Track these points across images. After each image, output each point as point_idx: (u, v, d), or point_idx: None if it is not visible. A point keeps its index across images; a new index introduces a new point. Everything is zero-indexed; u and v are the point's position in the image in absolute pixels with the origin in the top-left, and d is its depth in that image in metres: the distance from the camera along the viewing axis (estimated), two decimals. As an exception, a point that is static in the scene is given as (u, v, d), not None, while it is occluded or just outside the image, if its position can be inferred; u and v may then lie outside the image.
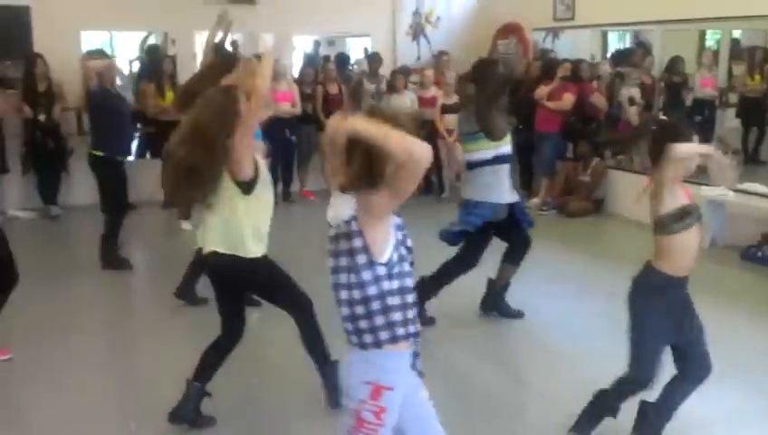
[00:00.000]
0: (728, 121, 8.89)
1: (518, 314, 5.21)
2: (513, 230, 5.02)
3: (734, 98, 8.89)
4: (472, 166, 4.86)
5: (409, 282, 2.32)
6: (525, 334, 5.00)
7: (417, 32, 10.39)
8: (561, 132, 8.56)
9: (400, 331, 2.27)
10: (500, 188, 4.84)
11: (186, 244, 5.89)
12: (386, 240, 2.24)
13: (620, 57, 9.64)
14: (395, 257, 2.26)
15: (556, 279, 6.04)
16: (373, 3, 9.96)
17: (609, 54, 10.07)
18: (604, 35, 10.09)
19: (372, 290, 2.23)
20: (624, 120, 8.46)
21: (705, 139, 8.54)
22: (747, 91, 8.69)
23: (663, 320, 3.17)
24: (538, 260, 5.57)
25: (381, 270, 2.23)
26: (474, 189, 4.86)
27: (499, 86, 4.86)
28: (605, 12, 8.68)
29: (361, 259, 2.22)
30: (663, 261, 3.14)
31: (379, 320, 2.25)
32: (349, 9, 9.55)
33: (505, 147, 4.85)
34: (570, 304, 5.51)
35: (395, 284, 2.25)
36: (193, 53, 8.95)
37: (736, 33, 9.29)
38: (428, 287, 4.90)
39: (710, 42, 9.68)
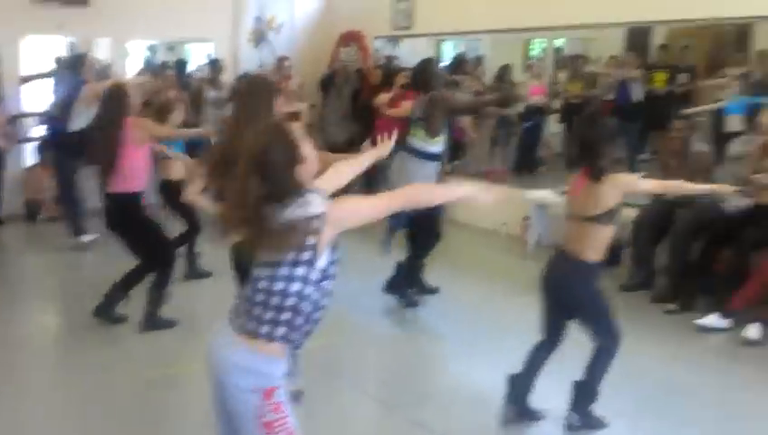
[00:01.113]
0: (553, 126, 9.30)
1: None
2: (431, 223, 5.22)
3: (557, 104, 9.32)
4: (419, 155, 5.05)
5: (325, 302, 2.27)
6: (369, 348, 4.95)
7: (259, 38, 10.17)
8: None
9: (294, 335, 2.23)
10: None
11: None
12: (328, 247, 2.20)
13: (456, 65, 9.85)
14: (330, 270, 2.23)
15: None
16: (215, 8, 9.60)
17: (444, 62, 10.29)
18: (439, 44, 10.31)
19: (296, 287, 2.17)
20: (458, 128, 8.63)
21: (533, 143, 9.06)
22: (570, 98, 9.12)
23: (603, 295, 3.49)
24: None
25: (315, 274, 2.18)
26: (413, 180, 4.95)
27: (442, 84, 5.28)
28: (441, 21, 8.84)
29: (305, 256, 2.16)
30: (591, 251, 3.36)
31: (285, 316, 2.19)
32: (189, 14, 9.13)
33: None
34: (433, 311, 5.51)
35: (316, 293, 2.22)
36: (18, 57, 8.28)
37: (559, 43, 9.76)
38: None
39: (536, 51, 10.12)
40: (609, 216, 3.30)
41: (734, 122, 7.45)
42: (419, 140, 5.04)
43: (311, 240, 2.15)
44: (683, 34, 8.88)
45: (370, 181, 7.40)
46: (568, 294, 3.46)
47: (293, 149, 2.21)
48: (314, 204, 2.17)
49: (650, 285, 5.60)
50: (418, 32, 9.27)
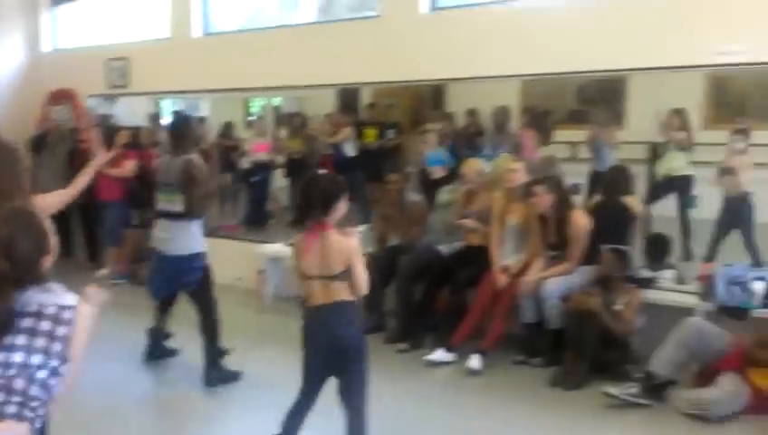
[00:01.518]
0: (279, 181, 9.53)
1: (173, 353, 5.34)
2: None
3: (281, 159, 9.58)
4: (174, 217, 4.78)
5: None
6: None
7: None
8: (124, 200, 8.27)
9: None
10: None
11: None
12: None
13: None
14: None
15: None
16: None
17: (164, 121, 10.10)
18: (158, 102, 10.11)
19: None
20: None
21: (262, 197, 9.20)
22: (292, 153, 9.43)
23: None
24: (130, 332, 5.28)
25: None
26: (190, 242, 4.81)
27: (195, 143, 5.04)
28: (158, 80, 8.68)
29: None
30: (350, 291, 3.32)
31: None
32: None
33: None
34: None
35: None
36: None
37: (277, 101, 10.08)
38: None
39: (255, 108, 10.34)
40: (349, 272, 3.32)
41: (437, 172, 8.19)
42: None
43: (61, 331, 2.05)
44: (387, 94, 9.63)
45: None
46: (338, 341, 3.34)
47: (41, 239, 2.09)
48: (63, 294, 2.07)
49: (383, 328, 5.93)
50: (135, 90, 9.01)
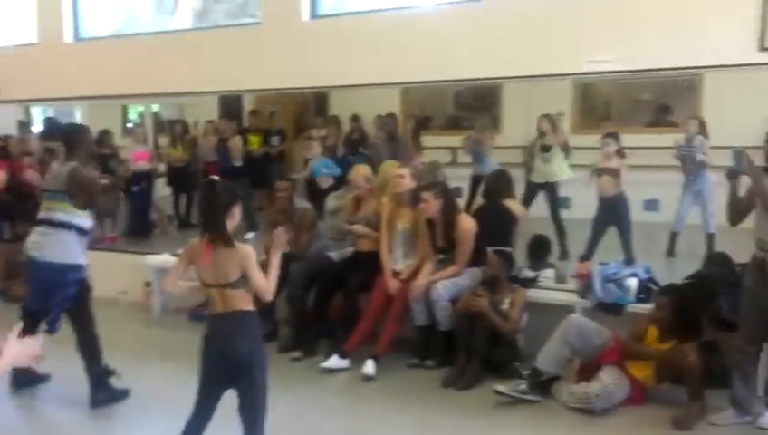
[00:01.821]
0: (161, 190, 9.22)
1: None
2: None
3: (162, 167, 9.28)
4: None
5: None
6: None
7: None
8: (-7, 212, 7.73)
9: None
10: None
11: None
12: None
13: (50, 132, 9.20)
14: None
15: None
16: None
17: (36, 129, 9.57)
18: (28, 109, 9.57)
19: None
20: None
21: (144, 207, 8.83)
22: (173, 162, 9.15)
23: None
24: None
25: None
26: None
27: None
28: (29, 87, 8.17)
29: None
30: (249, 299, 3.30)
31: None
32: None
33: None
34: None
35: None
36: None
37: (156, 108, 9.75)
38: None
39: (133, 115, 9.96)
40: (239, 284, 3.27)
41: (325, 183, 8.15)
42: (65, 214, 4.54)
43: None
44: (270, 101, 9.58)
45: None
46: (235, 352, 3.26)
47: None
48: None
49: (276, 337, 5.84)
50: (4, 98, 8.45)
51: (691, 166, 6.87)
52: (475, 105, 9.13)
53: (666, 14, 4.97)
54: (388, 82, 6.23)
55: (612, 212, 6.44)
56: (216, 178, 3.40)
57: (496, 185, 5.88)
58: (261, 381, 3.33)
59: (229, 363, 3.27)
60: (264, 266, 3.35)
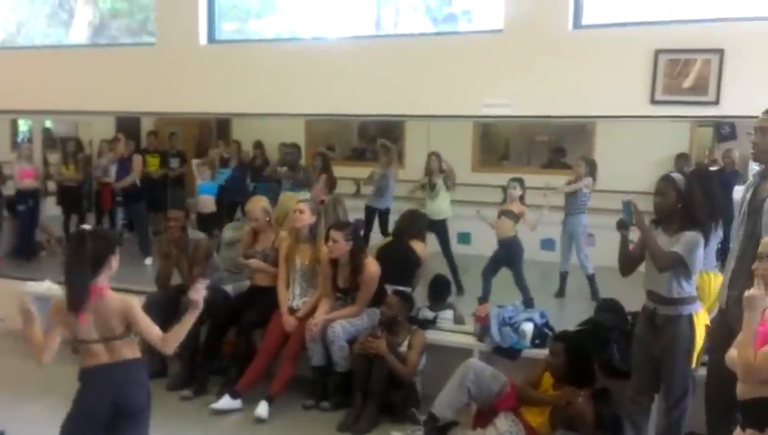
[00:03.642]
0: (51, 210, 8.58)
1: None
2: None
3: (52, 186, 8.65)
4: None
5: None
6: None
7: None
8: None
9: None
10: None
11: None
12: None
13: None
14: None
15: None
16: None
17: None
18: None
19: None
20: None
21: (29, 227, 8.17)
22: (64, 180, 8.54)
23: None
24: None
25: None
26: None
27: None
28: None
29: None
30: (135, 348, 3.15)
31: None
32: None
33: None
34: None
35: None
36: None
37: (48, 123, 9.11)
38: None
39: (24, 128, 9.28)
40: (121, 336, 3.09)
41: (208, 204, 7.81)
42: None
43: None
44: (170, 122, 9.11)
45: None
46: (122, 401, 3.07)
47: None
48: None
49: (165, 373, 5.43)
50: None
51: (571, 206, 6.93)
52: (379, 138, 8.99)
53: (564, 65, 4.98)
54: (286, 112, 5.96)
55: (507, 253, 6.41)
56: (86, 228, 3.18)
57: (407, 225, 5.73)
58: (146, 429, 3.18)
59: (114, 414, 3.07)
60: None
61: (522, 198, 6.44)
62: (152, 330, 3.08)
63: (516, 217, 6.34)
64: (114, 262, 3.10)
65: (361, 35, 6.13)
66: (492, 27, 5.35)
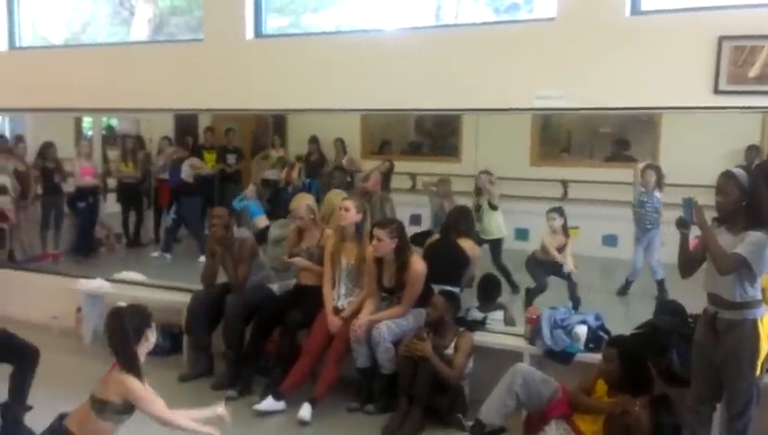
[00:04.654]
0: (111, 207, 8.75)
1: None
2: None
3: (112, 183, 8.82)
4: None
5: None
6: None
7: None
8: None
9: None
10: None
11: None
12: None
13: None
14: None
15: None
16: None
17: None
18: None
19: None
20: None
21: (89, 224, 8.33)
22: (123, 177, 8.69)
23: None
24: None
25: None
26: None
27: None
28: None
29: None
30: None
31: None
32: None
33: None
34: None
35: None
36: None
37: (111, 121, 9.29)
38: None
39: (88, 126, 9.47)
40: (112, 409, 3.05)
41: (261, 223, 7.56)
42: None
43: None
44: (227, 118, 9.14)
45: None
46: None
47: None
48: None
49: (212, 372, 5.43)
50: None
51: (646, 221, 6.55)
52: (436, 132, 8.81)
53: (621, 54, 4.72)
54: (339, 107, 5.84)
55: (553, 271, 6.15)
56: (122, 305, 3.16)
57: (454, 222, 5.53)
58: None
59: None
60: None
61: (564, 228, 6.10)
62: (161, 415, 3.07)
63: (558, 249, 6.03)
64: (151, 335, 3.13)
65: (410, 27, 5.95)
66: (545, 16, 5.12)
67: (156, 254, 8.38)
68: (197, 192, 8.30)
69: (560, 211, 6.15)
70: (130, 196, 8.71)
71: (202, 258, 7.71)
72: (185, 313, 5.53)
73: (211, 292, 5.50)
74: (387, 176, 7.51)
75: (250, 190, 7.32)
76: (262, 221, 6.96)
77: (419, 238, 5.92)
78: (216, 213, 5.48)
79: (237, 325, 5.26)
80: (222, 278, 5.61)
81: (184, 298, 5.64)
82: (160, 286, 6.30)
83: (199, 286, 5.65)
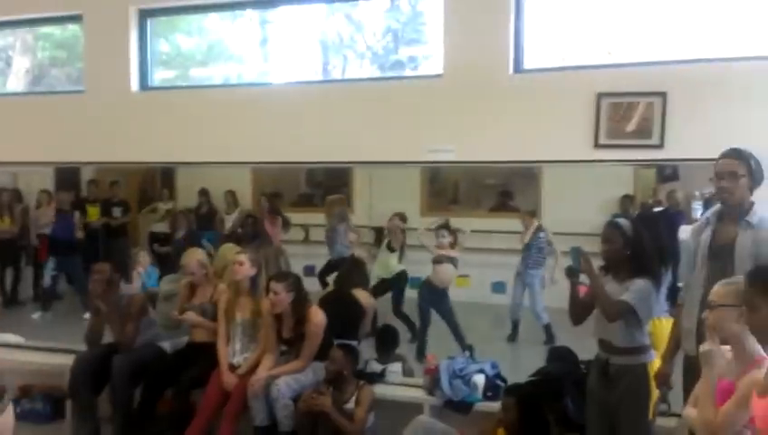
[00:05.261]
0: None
1: None
2: None
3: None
4: None
5: None
6: None
7: None
8: None
9: None
10: None
11: None
12: None
13: None
14: None
15: None
16: None
17: None
18: None
19: None
20: None
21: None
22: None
23: None
24: None
25: None
26: None
27: None
28: None
29: None
30: None
31: None
32: None
33: None
34: None
35: None
36: None
37: None
38: None
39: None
40: None
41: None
42: None
43: None
44: (112, 170, 8.75)
45: None
46: None
47: None
48: None
49: (95, 438, 5.02)
50: None
51: (537, 256, 6.75)
52: (327, 183, 8.78)
53: (507, 109, 4.88)
54: (228, 160, 5.75)
55: (440, 299, 6.22)
56: None
57: (347, 274, 5.45)
58: None
59: None
60: None
61: (453, 245, 6.31)
62: None
63: (454, 261, 6.17)
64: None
65: (298, 81, 5.94)
66: (433, 72, 5.23)
67: (35, 316, 7.81)
68: (78, 248, 7.85)
69: (446, 226, 6.50)
70: (7, 252, 8.11)
71: (87, 315, 7.28)
72: (68, 375, 5.09)
73: (96, 352, 5.11)
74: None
75: (143, 258, 6.94)
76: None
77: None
78: (96, 268, 5.10)
79: (126, 387, 4.89)
80: (108, 337, 5.23)
81: (67, 360, 5.21)
82: (40, 348, 5.80)
83: (83, 347, 5.25)
